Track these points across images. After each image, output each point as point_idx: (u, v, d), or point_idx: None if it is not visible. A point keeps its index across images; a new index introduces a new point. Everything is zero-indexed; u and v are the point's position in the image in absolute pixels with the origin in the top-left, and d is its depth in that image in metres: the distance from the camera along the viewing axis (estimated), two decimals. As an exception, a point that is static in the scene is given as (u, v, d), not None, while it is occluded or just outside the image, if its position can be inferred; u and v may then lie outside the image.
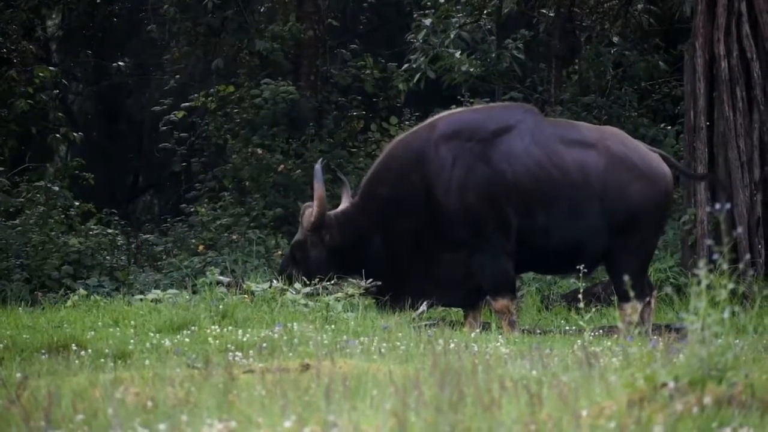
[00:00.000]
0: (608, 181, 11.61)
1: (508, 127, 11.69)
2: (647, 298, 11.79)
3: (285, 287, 11.20)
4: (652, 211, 11.79)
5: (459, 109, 13.12)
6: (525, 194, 11.54)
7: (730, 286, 5.60)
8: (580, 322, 9.19)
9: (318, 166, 12.19)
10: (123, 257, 19.56)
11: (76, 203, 19.69)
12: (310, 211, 11.96)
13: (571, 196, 11.59)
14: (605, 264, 11.98)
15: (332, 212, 12.12)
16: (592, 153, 11.68)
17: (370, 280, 11.43)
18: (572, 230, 11.61)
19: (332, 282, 11.34)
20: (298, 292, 11.11)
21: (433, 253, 11.73)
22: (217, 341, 9.15)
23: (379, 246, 11.87)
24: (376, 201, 11.93)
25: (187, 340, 9.35)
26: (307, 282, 11.25)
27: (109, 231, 19.81)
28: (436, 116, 12.25)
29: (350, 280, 11.58)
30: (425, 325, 10.55)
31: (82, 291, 12.75)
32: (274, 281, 11.49)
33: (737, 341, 5.91)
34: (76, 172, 20.60)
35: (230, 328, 9.79)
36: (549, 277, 15.59)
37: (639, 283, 11.46)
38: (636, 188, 11.67)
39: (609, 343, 9.06)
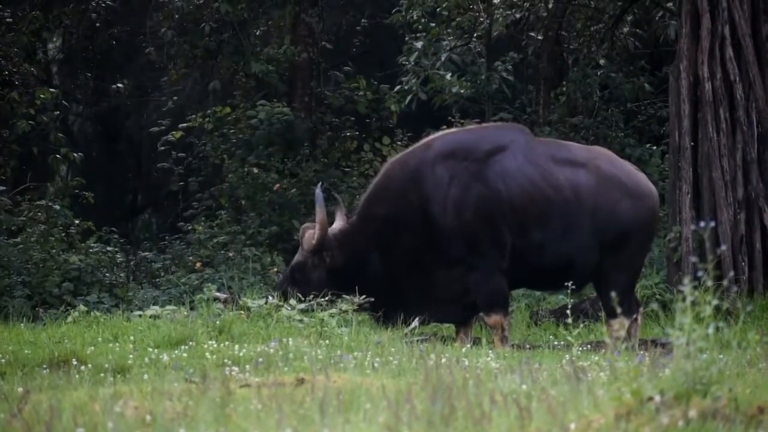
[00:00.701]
0: (599, 199, 11.67)
1: (501, 147, 11.70)
2: (634, 315, 11.79)
3: (280, 303, 11.19)
4: (641, 229, 11.85)
5: (453, 130, 13.07)
6: (520, 212, 11.56)
7: (715, 302, 5.65)
8: (569, 338, 8.94)
9: (318, 190, 12.13)
10: (122, 274, 19.56)
11: (77, 221, 19.77)
12: (311, 234, 11.90)
13: (564, 214, 11.62)
14: (594, 281, 11.99)
15: (331, 232, 12.08)
16: (583, 172, 11.72)
17: (364, 296, 11.34)
18: (565, 247, 11.66)
19: (327, 299, 11.26)
20: (293, 308, 11.10)
21: (430, 270, 11.72)
22: (214, 356, 9.16)
23: (377, 264, 11.84)
24: (374, 221, 11.92)
25: (184, 355, 9.35)
26: (304, 300, 11.22)
27: (109, 249, 19.82)
28: (431, 137, 12.23)
29: (345, 296, 11.44)
30: (417, 341, 10.59)
31: (82, 307, 12.72)
32: (270, 297, 11.47)
33: (721, 356, 5.91)
34: (77, 191, 20.74)
35: (227, 343, 9.82)
36: (538, 293, 15.62)
37: (627, 299, 11.58)
38: (625, 206, 11.72)
39: (596, 358, 9.09)
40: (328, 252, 11.94)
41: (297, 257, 12.21)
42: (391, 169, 12.02)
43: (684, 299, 5.64)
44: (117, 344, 10.24)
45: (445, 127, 20.33)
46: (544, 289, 13.71)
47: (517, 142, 11.81)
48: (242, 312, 11.33)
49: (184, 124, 23.45)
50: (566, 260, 11.68)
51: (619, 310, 11.21)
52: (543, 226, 11.65)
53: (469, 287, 11.72)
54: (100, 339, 10.62)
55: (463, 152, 11.72)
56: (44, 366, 9.31)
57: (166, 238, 22.94)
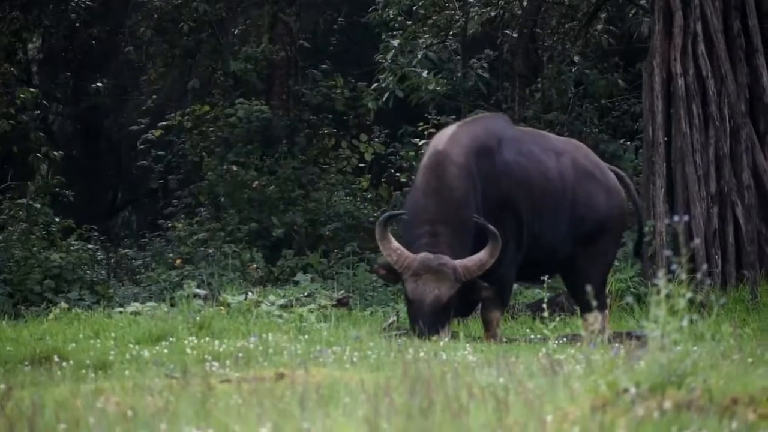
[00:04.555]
0: (577, 190, 11.67)
1: (500, 139, 11.55)
2: (605, 310, 11.75)
3: (260, 299, 11.39)
4: (614, 223, 11.91)
5: (460, 123, 12.33)
6: (525, 202, 11.45)
7: (688, 295, 5.68)
8: (545, 331, 9.22)
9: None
10: (103, 272, 19.61)
11: (57, 220, 19.74)
12: (475, 262, 10.86)
13: (554, 204, 11.57)
14: (565, 274, 11.98)
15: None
16: (564, 161, 11.70)
17: (342, 291, 11.32)
18: (553, 238, 11.61)
19: (306, 294, 11.40)
20: (272, 303, 11.21)
21: None
22: (195, 352, 9.20)
23: None
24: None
25: (165, 351, 9.41)
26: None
27: (89, 246, 19.75)
28: (448, 132, 11.69)
29: (325, 292, 11.56)
30: (395, 335, 10.59)
31: (63, 304, 12.90)
32: (249, 293, 11.61)
33: (695, 348, 5.93)
34: (57, 189, 20.89)
35: (207, 339, 9.88)
36: (515, 286, 15.88)
37: (600, 293, 11.55)
38: (600, 199, 11.75)
39: (572, 351, 9.01)
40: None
41: (442, 291, 10.99)
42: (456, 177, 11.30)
43: (658, 292, 5.70)
44: (98, 341, 10.33)
45: (421, 124, 20.75)
46: (527, 280, 13.57)
47: (508, 133, 11.72)
48: (222, 308, 11.50)
49: (164, 123, 23.54)
50: (551, 251, 11.67)
51: (594, 303, 11.20)
52: (540, 216, 11.58)
53: (489, 281, 11.28)
54: (81, 336, 10.72)
55: (482, 146, 11.48)
56: (26, 363, 9.35)
57: (146, 235, 23.03)
